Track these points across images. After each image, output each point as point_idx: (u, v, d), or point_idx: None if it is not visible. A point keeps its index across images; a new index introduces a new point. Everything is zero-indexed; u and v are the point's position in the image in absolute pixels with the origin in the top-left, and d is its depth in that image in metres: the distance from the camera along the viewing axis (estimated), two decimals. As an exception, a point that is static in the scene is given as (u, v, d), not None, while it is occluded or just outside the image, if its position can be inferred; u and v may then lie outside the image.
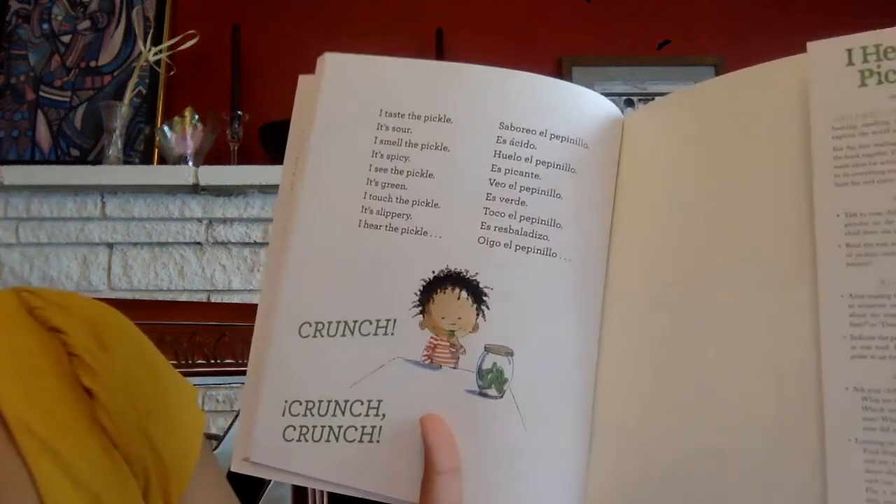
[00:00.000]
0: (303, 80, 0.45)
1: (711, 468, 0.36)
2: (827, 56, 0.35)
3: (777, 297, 0.35)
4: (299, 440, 0.40)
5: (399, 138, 0.42)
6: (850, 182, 0.33)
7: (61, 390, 0.40)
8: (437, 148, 0.42)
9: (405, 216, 0.41)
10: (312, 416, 0.40)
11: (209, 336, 0.77)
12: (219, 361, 0.77)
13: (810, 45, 0.36)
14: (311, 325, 0.41)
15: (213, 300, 1.67)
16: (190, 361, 0.75)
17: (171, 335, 0.75)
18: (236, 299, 1.67)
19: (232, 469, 0.41)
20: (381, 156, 0.42)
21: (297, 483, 0.41)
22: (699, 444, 0.36)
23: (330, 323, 0.41)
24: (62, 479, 0.37)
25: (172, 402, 0.46)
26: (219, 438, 0.77)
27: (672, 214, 0.40)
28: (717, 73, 1.90)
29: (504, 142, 0.41)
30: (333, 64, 0.44)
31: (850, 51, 0.35)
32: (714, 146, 0.40)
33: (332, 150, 0.42)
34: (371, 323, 0.40)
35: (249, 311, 0.93)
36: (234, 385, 1.05)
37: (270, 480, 0.76)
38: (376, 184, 0.42)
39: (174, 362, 0.73)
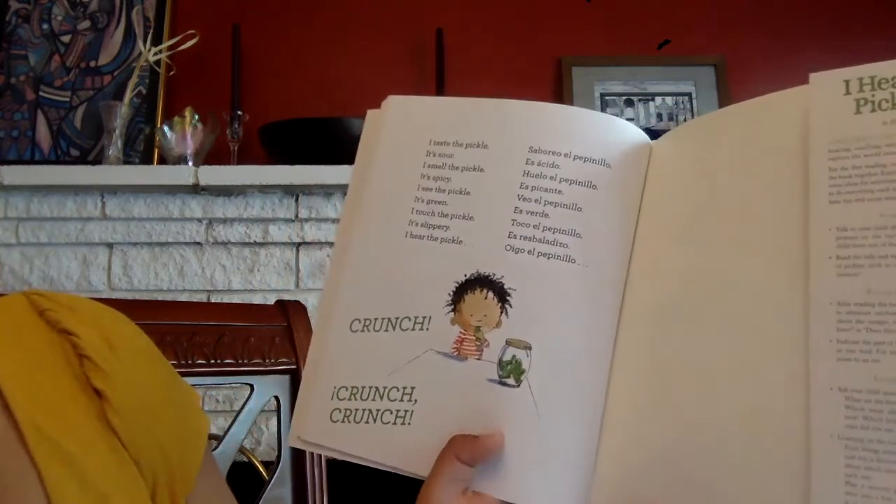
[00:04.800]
0: (370, 114, 0.53)
1: (709, 460, 0.38)
2: (826, 86, 0.39)
3: (774, 305, 0.38)
4: (343, 421, 0.46)
5: (444, 162, 0.49)
6: (843, 199, 0.36)
7: (72, 391, 0.40)
8: (474, 170, 0.48)
9: (444, 227, 0.47)
10: (355, 400, 0.46)
11: (209, 336, 0.77)
12: (219, 361, 0.77)
13: (812, 76, 0.39)
14: (360, 322, 0.47)
15: (212, 300, 1.67)
16: (190, 361, 0.75)
17: (171, 335, 0.75)
18: (236, 299, 1.68)
19: (290, 444, 0.47)
20: (428, 177, 0.49)
21: (340, 458, 0.47)
22: (698, 436, 0.39)
23: (376, 319, 0.47)
24: (70, 479, 0.37)
25: (178, 406, 0.46)
26: (219, 439, 0.77)
27: (686, 229, 0.44)
28: (717, 73, 1.90)
29: (532, 163, 0.47)
30: (395, 103, 0.52)
31: (847, 81, 0.38)
32: (727, 168, 0.43)
33: (391, 174, 0.50)
34: (410, 319, 0.46)
35: (249, 311, 0.93)
36: (234, 385, 1.05)
37: (270, 481, 0.77)
38: (422, 201, 0.48)
39: (174, 362, 0.74)
